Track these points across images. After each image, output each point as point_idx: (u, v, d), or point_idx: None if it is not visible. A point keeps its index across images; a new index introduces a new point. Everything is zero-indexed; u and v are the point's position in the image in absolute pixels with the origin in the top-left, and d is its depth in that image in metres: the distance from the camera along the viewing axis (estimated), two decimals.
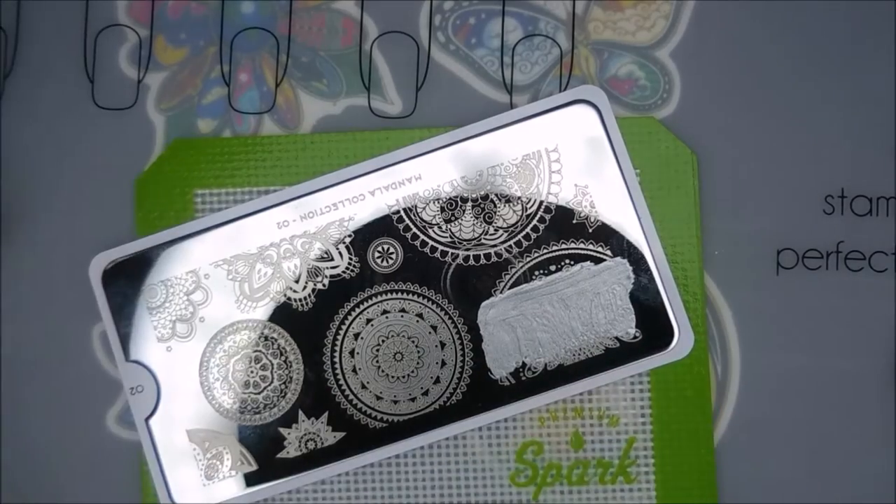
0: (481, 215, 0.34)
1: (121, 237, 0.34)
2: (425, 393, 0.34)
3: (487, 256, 0.34)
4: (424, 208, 0.34)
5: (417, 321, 0.34)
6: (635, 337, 0.34)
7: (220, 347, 0.34)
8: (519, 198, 0.34)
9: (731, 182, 0.35)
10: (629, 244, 0.34)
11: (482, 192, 0.34)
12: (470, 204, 0.34)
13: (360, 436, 0.34)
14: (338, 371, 0.34)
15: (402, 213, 0.34)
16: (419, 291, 0.34)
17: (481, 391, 0.34)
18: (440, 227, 0.34)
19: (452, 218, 0.34)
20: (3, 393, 0.35)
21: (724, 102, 0.35)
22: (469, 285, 0.34)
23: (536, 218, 0.34)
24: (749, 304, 0.34)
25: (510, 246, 0.34)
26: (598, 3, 0.35)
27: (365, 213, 0.34)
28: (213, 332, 0.34)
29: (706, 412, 0.34)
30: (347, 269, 0.34)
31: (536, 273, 0.34)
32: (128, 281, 0.34)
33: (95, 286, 0.34)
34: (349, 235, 0.34)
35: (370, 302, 0.34)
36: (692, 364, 0.34)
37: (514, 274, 0.34)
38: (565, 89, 0.35)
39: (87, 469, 0.35)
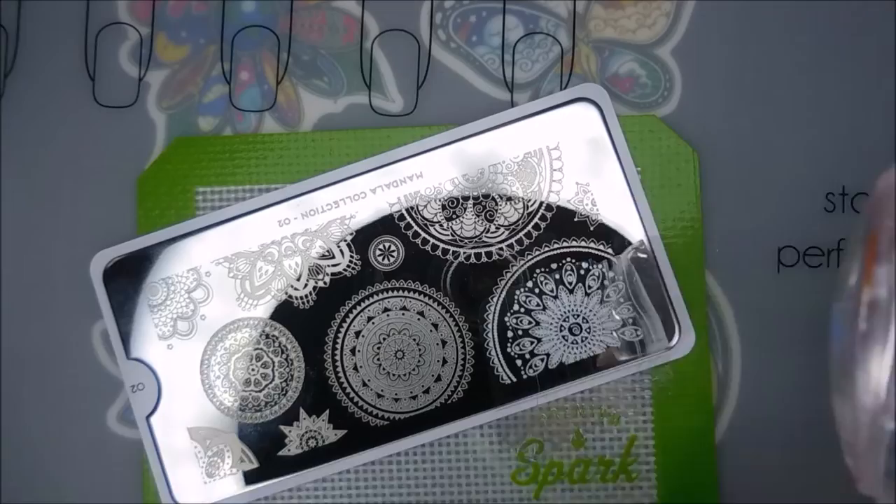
0: (482, 213, 0.34)
1: (122, 235, 0.34)
2: (426, 391, 0.34)
3: (489, 255, 0.34)
4: (426, 206, 0.34)
5: (419, 319, 0.34)
6: (636, 335, 0.34)
7: (221, 345, 0.34)
8: (520, 196, 0.34)
9: (733, 180, 0.35)
10: (630, 243, 0.34)
11: (483, 191, 0.34)
12: (471, 202, 0.34)
13: (361, 434, 0.34)
14: (339, 369, 0.34)
15: (404, 211, 0.34)
16: (420, 289, 0.34)
17: (482, 389, 0.34)
18: (441, 226, 0.34)
19: (453, 216, 0.34)
20: (3, 392, 0.35)
21: (726, 100, 0.35)
22: (470, 283, 0.34)
23: (538, 216, 0.34)
24: (750, 302, 0.34)
25: (511, 244, 0.34)
26: (599, 1, 0.35)
27: (366, 211, 0.34)
28: (214, 330, 0.34)
29: (707, 411, 0.34)
30: (349, 266, 0.34)
31: (538, 271, 0.34)
32: (129, 279, 0.34)
33: (96, 284, 0.34)
34: (350, 233, 0.34)
35: (371, 300, 0.34)
36: (693, 362, 0.34)
37: (515, 272, 0.34)
38: (566, 87, 0.35)
39: (87, 468, 0.35)
